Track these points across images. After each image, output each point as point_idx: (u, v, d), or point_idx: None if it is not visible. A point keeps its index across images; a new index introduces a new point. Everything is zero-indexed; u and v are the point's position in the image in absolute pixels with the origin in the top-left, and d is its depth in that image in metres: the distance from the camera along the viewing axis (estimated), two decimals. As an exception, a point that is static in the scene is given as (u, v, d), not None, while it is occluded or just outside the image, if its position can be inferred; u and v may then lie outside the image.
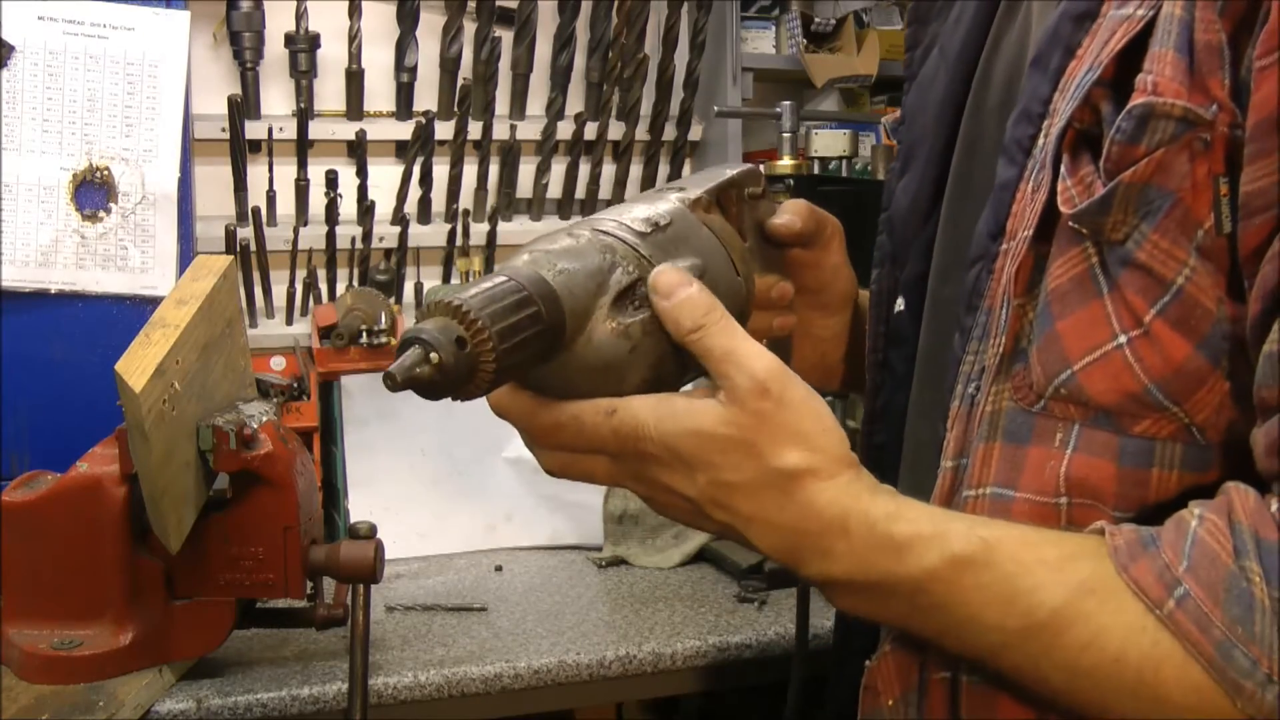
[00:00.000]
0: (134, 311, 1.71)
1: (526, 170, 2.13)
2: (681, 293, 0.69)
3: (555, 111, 2.10)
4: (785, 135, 1.94)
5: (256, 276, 1.99)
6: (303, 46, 1.97)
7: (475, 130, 2.05)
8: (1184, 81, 0.67)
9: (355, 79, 2.01)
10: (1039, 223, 0.73)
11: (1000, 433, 0.74)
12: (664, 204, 0.77)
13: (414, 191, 2.05)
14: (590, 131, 2.12)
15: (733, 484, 0.69)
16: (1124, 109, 0.69)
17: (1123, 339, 0.70)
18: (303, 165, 1.98)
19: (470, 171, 2.09)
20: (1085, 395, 0.71)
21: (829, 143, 2.34)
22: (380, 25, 2.02)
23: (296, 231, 1.99)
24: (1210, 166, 0.67)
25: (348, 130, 2.02)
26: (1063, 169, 0.71)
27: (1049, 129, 0.74)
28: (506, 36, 2.06)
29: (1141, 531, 0.67)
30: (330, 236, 1.99)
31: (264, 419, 1.33)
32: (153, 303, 1.63)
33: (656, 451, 0.69)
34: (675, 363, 0.71)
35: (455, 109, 2.03)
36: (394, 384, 0.63)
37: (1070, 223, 0.71)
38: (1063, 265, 0.72)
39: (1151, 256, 0.68)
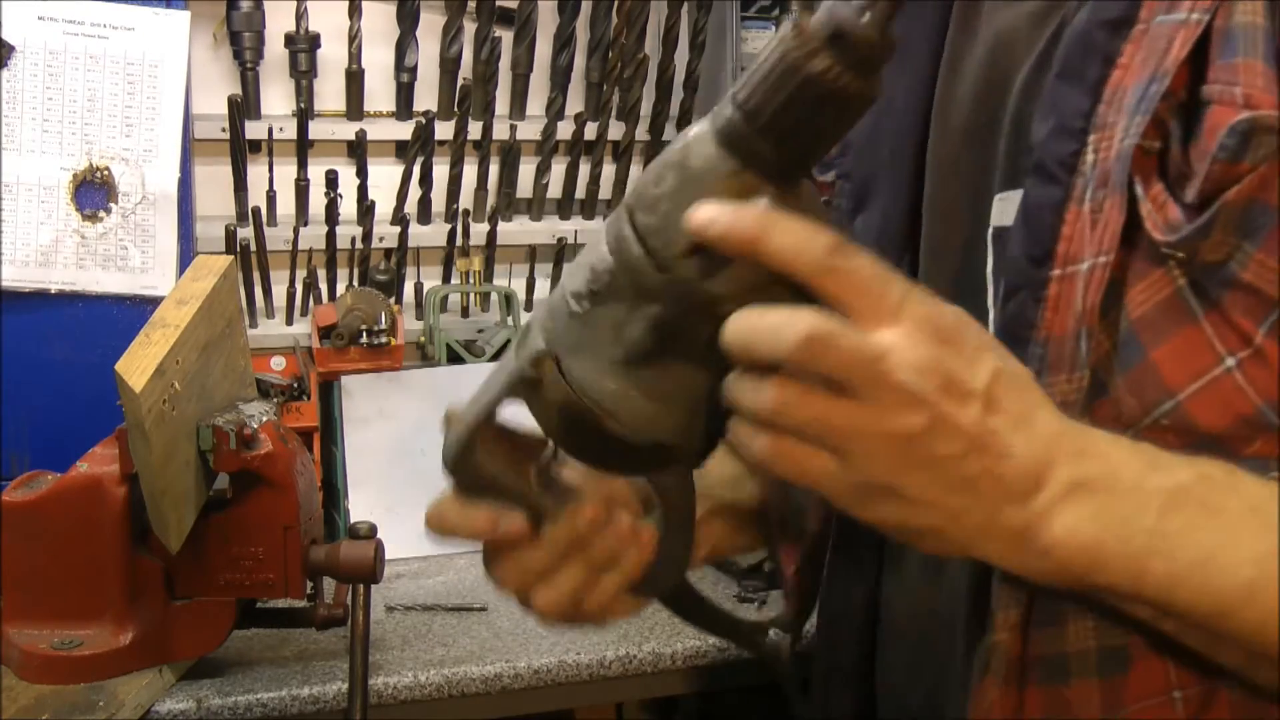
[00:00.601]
0: (134, 311, 1.71)
1: (526, 170, 2.13)
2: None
3: (555, 111, 2.10)
4: (785, 135, 1.93)
5: (256, 276, 1.99)
6: (303, 46, 1.97)
7: (475, 130, 2.05)
8: (1276, 91, 0.64)
9: (355, 79, 2.01)
10: (1117, 245, 0.68)
11: None
12: None
13: (414, 191, 2.05)
14: (590, 131, 2.12)
15: (1010, 371, 0.61)
16: (1191, 124, 0.66)
17: (1231, 361, 0.67)
18: (303, 165, 1.98)
19: (470, 171, 2.09)
20: (1192, 423, 0.68)
21: (829, 142, 2.34)
22: (380, 25, 2.02)
23: (296, 231, 1.99)
24: None
25: (348, 130, 2.02)
26: (1138, 190, 0.68)
27: (1098, 144, 0.69)
28: (506, 36, 2.06)
29: None
30: (330, 236, 1.99)
31: (264, 419, 1.33)
32: (153, 303, 1.62)
33: (943, 320, 0.59)
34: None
35: (455, 109, 2.03)
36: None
37: (1165, 248, 0.67)
38: (1145, 291, 0.68)
39: (1258, 276, 0.65)
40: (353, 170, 2.01)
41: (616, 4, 2.10)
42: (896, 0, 0.55)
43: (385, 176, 2.05)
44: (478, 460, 0.68)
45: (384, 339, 1.86)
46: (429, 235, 2.08)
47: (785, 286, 0.58)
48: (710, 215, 0.57)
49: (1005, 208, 0.76)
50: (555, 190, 2.16)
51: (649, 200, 0.60)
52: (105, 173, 1.71)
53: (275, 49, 1.97)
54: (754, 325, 0.58)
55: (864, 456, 0.59)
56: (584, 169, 2.15)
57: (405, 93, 2.05)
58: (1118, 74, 0.69)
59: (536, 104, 2.13)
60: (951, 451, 0.59)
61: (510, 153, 2.10)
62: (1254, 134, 0.64)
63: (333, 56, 2.01)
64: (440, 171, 2.06)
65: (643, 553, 0.71)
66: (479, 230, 2.10)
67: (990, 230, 0.78)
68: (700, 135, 0.59)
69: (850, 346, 0.57)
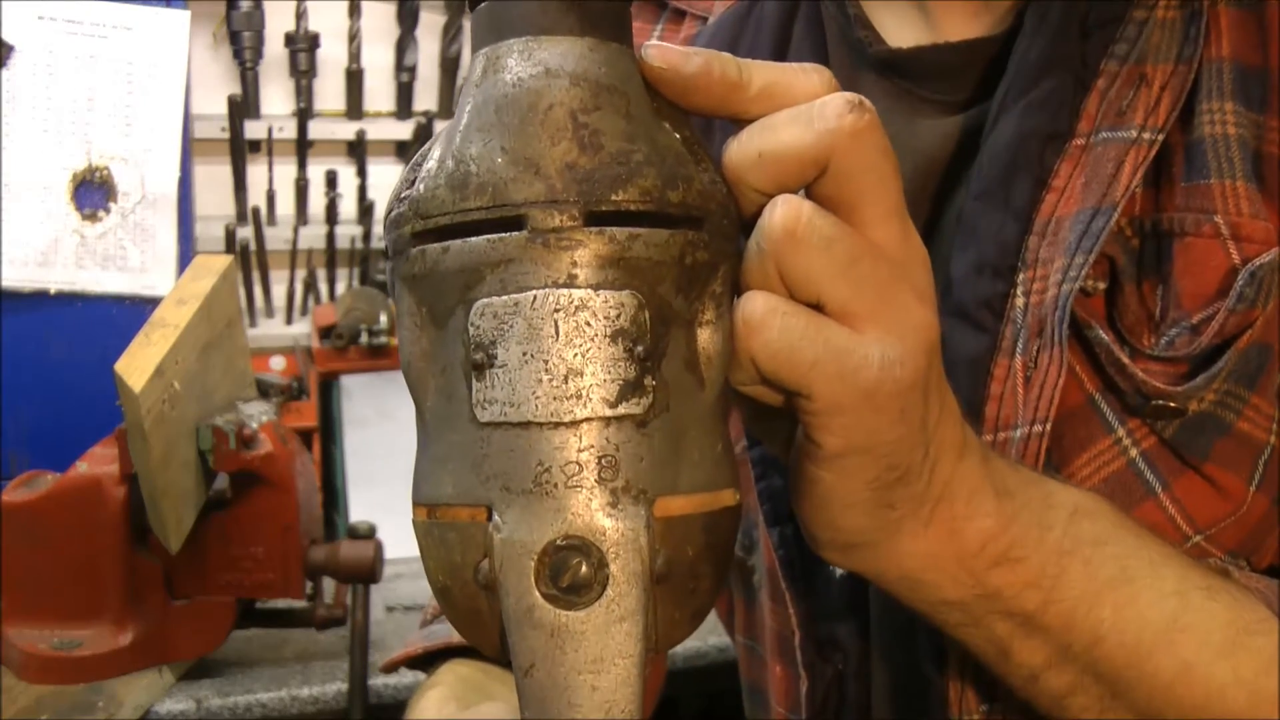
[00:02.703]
0: (134, 311, 1.71)
1: (526, 170, 2.12)
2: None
3: (555, 111, 2.10)
4: (785, 135, 1.93)
5: (256, 276, 1.99)
6: (303, 46, 1.97)
7: (475, 130, 2.05)
8: (1263, 215, 0.55)
9: (355, 79, 2.01)
10: (1056, 412, 0.57)
11: None
12: None
13: (414, 191, 2.05)
14: (590, 131, 2.13)
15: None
16: (1166, 257, 0.56)
17: (1198, 539, 0.58)
18: (303, 165, 1.98)
19: (470, 171, 2.09)
20: None
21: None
22: (380, 25, 2.02)
23: (296, 231, 1.99)
24: None
25: (348, 130, 2.02)
26: (1102, 338, 0.57)
27: (1029, 285, 0.57)
28: (506, 36, 2.06)
29: (1267, 580, 0.57)
30: (330, 236, 1.99)
31: (264, 419, 1.33)
32: (153, 303, 1.62)
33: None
34: None
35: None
36: None
37: (1156, 400, 0.56)
38: (1089, 464, 0.58)
39: (1253, 424, 0.57)
40: (353, 170, 2.01)
41: (616, 4, 2.10)
42: None
43: (385, 176, 2.05)
44: None
45: (384, 339, 1.86)
46: (429, 235, 2.08)
47: None
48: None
49: None
50: (555, 190, 2.16)
51: None
52: (105, 173, 1.71)
53: (275, 49, 1.97)
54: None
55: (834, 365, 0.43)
56: (584, 169, 2.15)
57: (405, 92, 2.05)
58: (1051, 199, 0.57)
59: (536, 104, 2.13)
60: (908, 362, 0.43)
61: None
62: (1268, 276, 0.55)
63: (333, 56, 2.01)
64: (440, 171, 2.06)
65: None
66: (479, 230, 2.10)
67: None
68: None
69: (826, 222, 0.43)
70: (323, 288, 2.04)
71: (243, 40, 1.94)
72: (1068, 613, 0.51)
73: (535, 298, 0.40)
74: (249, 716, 1.39)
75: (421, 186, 0.42)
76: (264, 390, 1.72)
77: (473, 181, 0.41)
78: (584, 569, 0.41)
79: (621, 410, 0.41)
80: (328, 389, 1.90)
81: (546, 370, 0.41)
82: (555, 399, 0.41)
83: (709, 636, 1.54)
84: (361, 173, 2.00)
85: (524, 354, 0.41)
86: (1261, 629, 0.52)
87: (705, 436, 0.43)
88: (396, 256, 0.44)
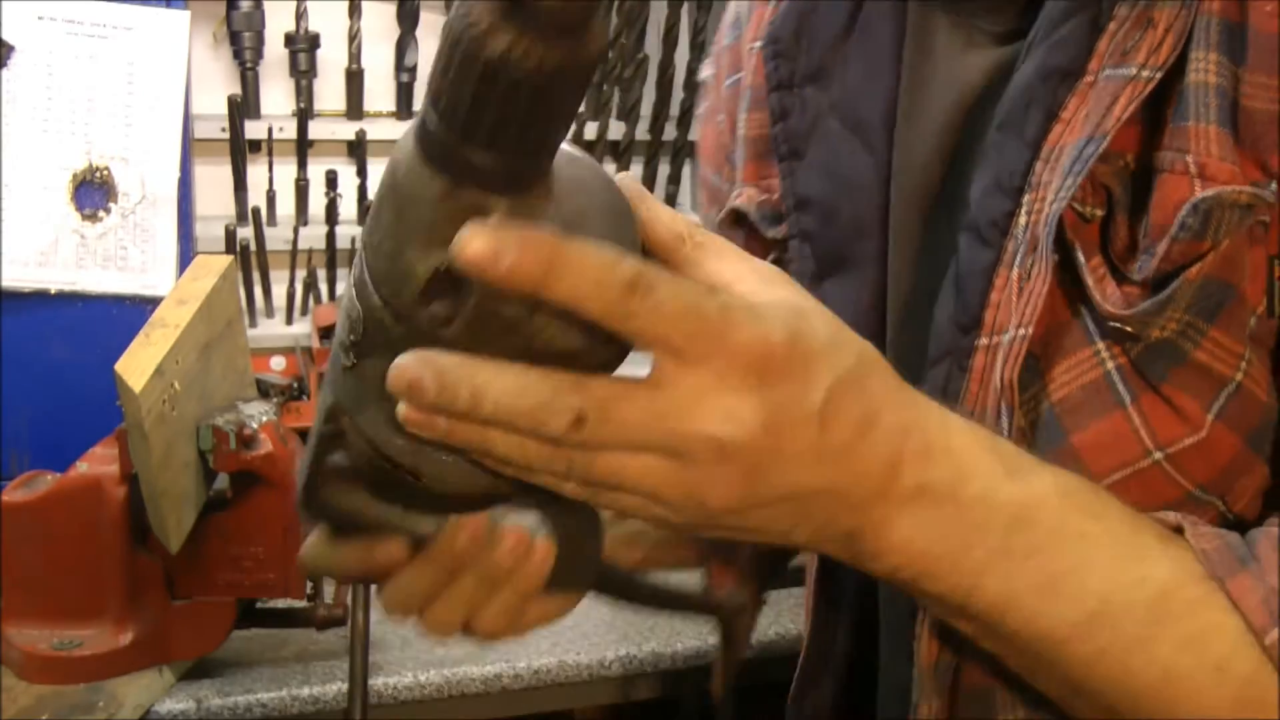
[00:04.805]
0: (134, 311, 1.71)
1: (526, 170, 2.12)
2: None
3: (555, 111, 2.10)
4: (785, 135, 1.93)
5: (256, 276, 1.99)
6: (303, 46, 1.97)
7: (475, 130, 2.05)
8: (1233, 159, 0.59)
9: (355, 79, 2.01)
10: (1039, 318, 0.62)
11: None
12: None
13: (414, 191, 2.05)
14: (590, 131, 2.12)
15: (850, 376, 0.51)
16: (1142, 192, 0.61)
17: (1159, 455, 0.62)
18: (303, 165, 1.98)
19: (470, 171, 2.08)
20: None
21: (829, 143, 2.34)
22: (380, 25, 2.02)
23: (296, 231, 1.99)
24: (1266, 249, 0.60)
25: (348, 130, 2.02)
26: (1079, 258, 0.62)
27: (1032, 205, 0.63)
28: (506, 36, 2.06)
29: (1229, 538, 0.59)
30: (330, 236, 1.99)
31: (264, 419, 1.33)
32: (153, 303, 1.62)
33: (778, 345, 0.49)
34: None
35: (455, 109, 2.03)
36: None
37: (1112, 323, 0.61)
38: (1069, 370, 0.63)
39: (1212, 356, 0.60)
40: (353, 170, 2.01)
41: (616, 4, 2.10)
42: None
43: (385, 176, 2.05)
44: (329, 503, 0.57)
45: (384, 339, 1.86)
46: (429, 235, 2.08)
47: (549, 315, 0.47)
48: (478, 249, 0.44)
49: None
50: (555, 190, 2.16)
51: (373, 240, 0.49)
52: (105, 173, 1.71)
53: (275, 49, 1.97)
54: (511, 409, 0.48)
55: (681, 508, 0.52)
56: (584, 169, 2.15)
57: (405, 93, 2.05)
58: (1058, 129, 0.63)
59: (536, 104, 2.13)
60: (783, 487, 0.52)
61: (510, 153, 2.10)
62: (1215, 211, 0.59)
63: (333, 56, 2.01)
64: (440, 171, 2.06)
65: (539, 564, 0.57)
66: (479, 230, 2.10)
67: None
68: (404, 152, 0.47)
69: (636, 415, 0.48)
70: (323, 288, 2.04)
71: (243, 40, 1.94)
72: (977, 615, 0.58)
73: None
74: (249, 716, 1.39)
75: None
76: (264, 390, 1.72)
77: None
78: None
79: None
80: (328, 389, 1.90)
81: None
82: None
83: (709, 636, 1.55)
84: (361, 173, 2.00)
85: None
86: (1186, 610, 0.57)
87: None
88: None
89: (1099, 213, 0.62)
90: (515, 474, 0.51)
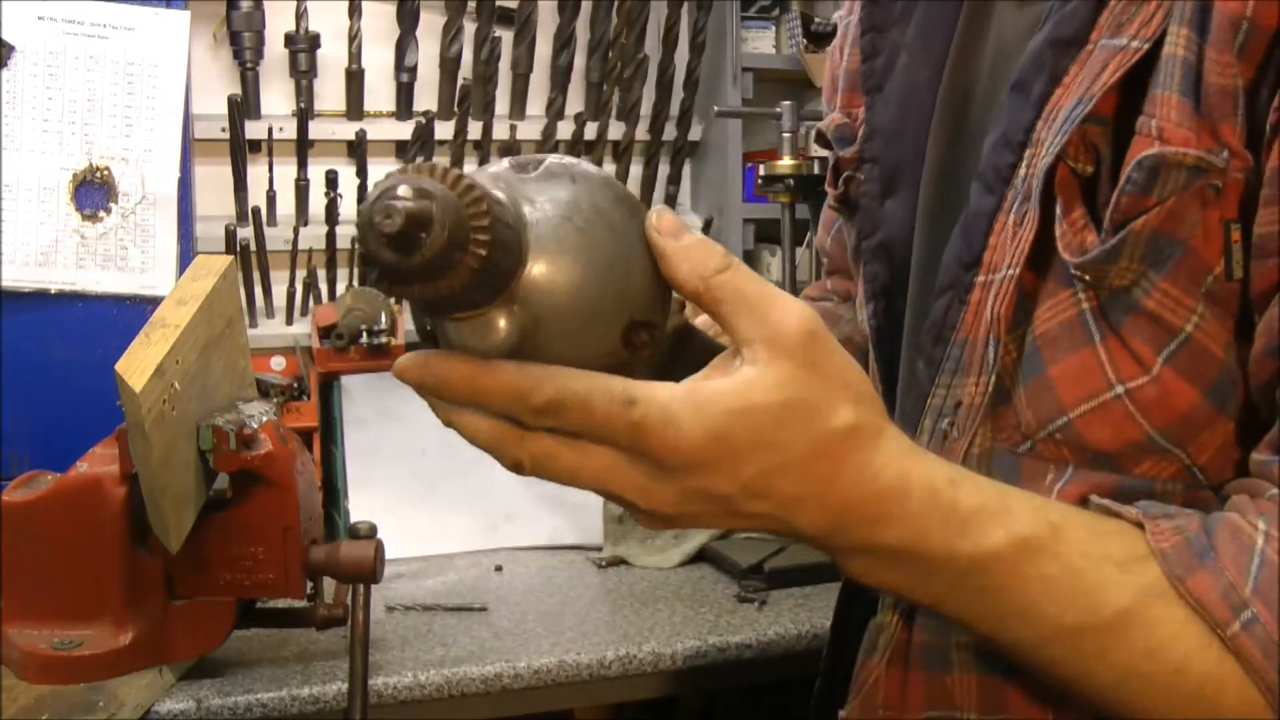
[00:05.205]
0: (134, 311, 1.71)
1: (526, 170, 2.12)
2: (692, 235, 0.59)
3: (555, 111, 2.10)
4: (785, 135, 1.94)
5: (256, 276, 1.99)
6: (303, 46, 1.97)
7: (475, 130, 2.05)
8: (1191, 126, 0.64)
9: (355, 79, 2.01)
10: (1025, 260, 0.70)
11: (990, 474, 0.69)
12: None
13: (414, 191, 2.05)
14: (590, 131, 2.12)
15: (783, 464, 0.58)
16: (1123, 152, 0.66)
17: (1120, 389, 0.68)
18: (303, 165, 1.98)
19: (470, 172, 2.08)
20: (1083, 441, 0.69)
21: (829, 143, 2.34)
22: (380, 25, 2.02)
23: (296, 231, 1.99)
24: (1221, 213, 0.65)
25: (348, 130, 2.02)
26: (1057, 210, 0.69)
27: (1032, 159, 0.71)
28: (506, 36, 2.06)
29: (1188, 533, 0.63)
30: (330, 236, 1.99)
31: (264, 419, 1.33)
32: (153, 303, 1.63)
33: (689, 451, 0.56)
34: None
35: (455, 109, 2.03)
36: (370, 238, 0.50)
37: (1073, 269, 0.68)
38: (1051, 309, 0.70)
39: (1161, 305, 0.67)
40: (353, 170, 2.01)
41: (616, 4, 2.10)
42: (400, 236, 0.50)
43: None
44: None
45: (384, 339, 1.86)
46: (429, 235, 2.08)
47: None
48: (412, 378, 0.58)
49: None
50: (555, 190, 2.15)
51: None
52: (105, 173, 1.71)
53: (275, 49, 1.98)
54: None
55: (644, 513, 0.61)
56: (584, 169, 2.15)
57: (405, 93, 2.05)
58: (1059, 92, 0.70)
59: (536, 104, 2.13)
60: (718, 524, 0.62)
61: (510, 153, 2.10)
62: (1161, 169, 0.64)
63: (333, 56, 2.01)
64: (440, 171, 2.05)
65: None
66: (479, 230, 2.10)
67: None
68: None
69: (566, 462, 0.58)
70: (323, 288, 2.04)
71: (243, 40, 1.94)
72: (950, 619, 0.67)
73: None
74: (249, 716, 1.39)
75: None
76: (264, 390, 1.72)
77: None
78: None
79: None
80: (328, 389, 1.90)
81: None
82: None
83: (709, 636, 1.55)
84: (361, 173, 2.00)
85: None
86: (1146, 627, 0.63)
87: None
88: None
89: (1089, 169, 0.69)
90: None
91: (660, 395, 0.56)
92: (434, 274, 0.51)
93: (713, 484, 0.58)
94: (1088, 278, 0.68)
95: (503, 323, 0.55)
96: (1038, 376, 0.70)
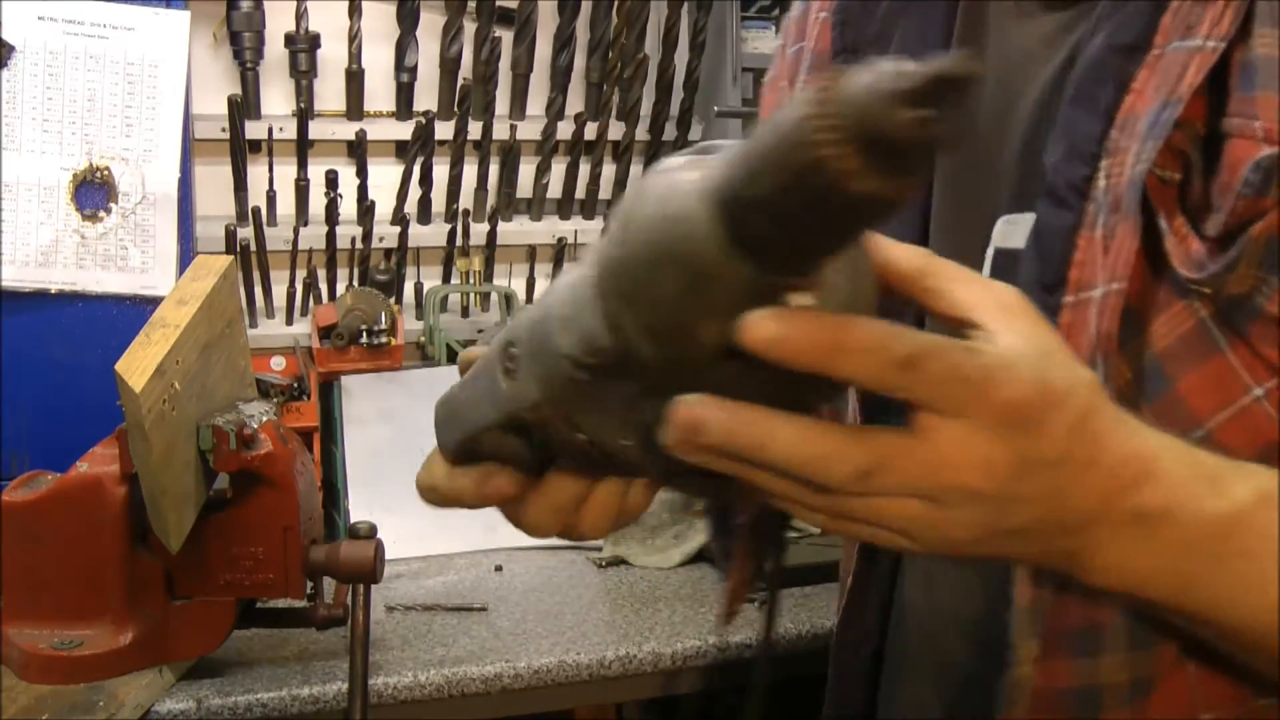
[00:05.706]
0: (134, 311, 1.71)
1: (526, 170, 2.13)
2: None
3: (555, 111, 2.10)
4: (785, 135, 1.93)
5: (256, 276, 1.99)
6: (303, 46, 1.97)
7: (475, 130, 2.05)
8: None
9: (355, 79, 2.01)
10: (1133, 275, 0.67)
11: None
12: None
13: (414, 191, 2.05)
14: (590, 131, 2.12)
15: (1078, 418, 0.55)
16: (1212, 157, 0.65)
17: (1259, 391, 0.67)
18: (303, 165, 1.98)
19: (470, 171, 2.09)
20: (1221, 450, 0.65)
21: (829, 143, 2.34)
22: (380, 25, 2.02)
23: (296, 231, 1.99)
24: None
25: (348, 130, 2.02)
26: (1161, 221, 0.67)
27: (1110, 170, 0.68)
28: (506, 36, 2.06)
29: None
30: (330, 236, 1.99)
31: (264, 419, 1.33)
32: (153, 303, 1.62)
33: (1025, 402, 0.53)
34: None
35: (455, 109, 2.03)
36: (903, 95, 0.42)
37: (1190, 284, 0.66)
38: (1168, 323, 0.68)
39: None
40: (353, 170, 2.01)
41: (616, 4, 2.10)
42: (951, 92, 0.43)
43: (385, 176, 2.05)
44: (481, 448, 0.67)
45: (384, 339, 1.86)
46: (429, 235, 2.08)
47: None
48: (769, 335, 0.49)
49: (1010, 230, 0.75)
50: (555, 190, 2.16)
51: (647, 299, 0.51)
52: (105, 173, 1.71)
53: (275, 49, 1.97)
54: (792, 458, 0.52)
55: (926, 541, 0.56)
56: (584, 169, 2.15)
57: (405, 93, 2.05)
58: (1130, 99, 0.68)
59: (536, 104, 2.13)
60: (1016, 523, 0.56)
61: (510, 153, 2.10)
62: (1276, 169, 0.63)
63: (333, 56, 2.01)
64: (440, 171, 2.06)
65: None
66: (479, 230, 2.10)
67: (991, 251, 0.77)
68: (697, 226, 0.49)
69: (912, 468, 0.53)
70: (323, 288, 2.04)
71: (243, 40, 1.94)
72: (1191, 615, 0.63)
73: None
74: (249, 716, 1.39)
75: None
76: (264, 390, 1.73)
77: None
78: None
79: None
80: (328, 389, 1.90)
81: None
82: None
83: (709, 636, 1.55)
84: (362, 173, 2.00)
85: None
86: None
87: None
88: None
89: (1176, 177, 0.67)
90: (762, 499, 0.57)
91: (989, 347, 0.54)
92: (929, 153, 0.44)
93: (1044, 443, 0.54)
94: (1206, 290, 0.66)
95: (842, 281, 0.52)
96: (1166, 394, 0.68)
